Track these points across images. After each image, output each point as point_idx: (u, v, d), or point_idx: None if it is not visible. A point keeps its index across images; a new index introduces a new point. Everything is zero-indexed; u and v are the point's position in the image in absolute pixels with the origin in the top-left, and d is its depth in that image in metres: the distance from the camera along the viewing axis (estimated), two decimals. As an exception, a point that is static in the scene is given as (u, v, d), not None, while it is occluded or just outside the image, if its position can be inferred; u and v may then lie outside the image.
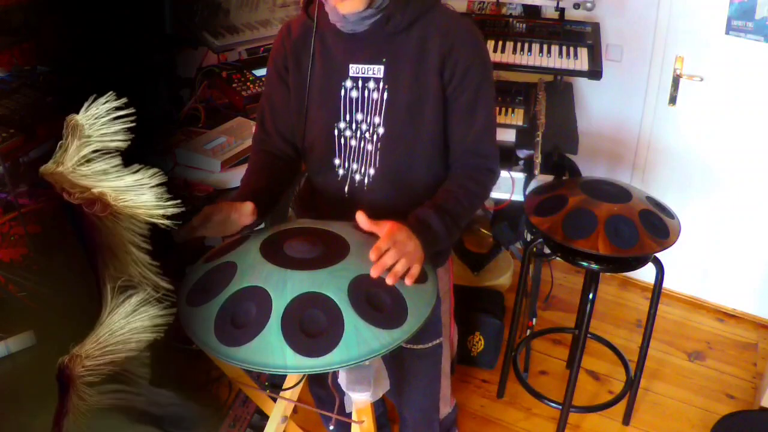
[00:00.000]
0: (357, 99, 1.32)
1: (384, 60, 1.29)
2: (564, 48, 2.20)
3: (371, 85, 1.30)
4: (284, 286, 1.01)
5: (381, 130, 1.31)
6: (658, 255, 1.79)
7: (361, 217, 1.12)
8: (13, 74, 1.62)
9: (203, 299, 1.04)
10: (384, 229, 1.11)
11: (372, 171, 1.34)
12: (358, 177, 1.36)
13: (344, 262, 1.06)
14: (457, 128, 1.34)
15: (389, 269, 1.06)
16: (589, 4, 2.21)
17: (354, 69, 1.31)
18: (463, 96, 1.30)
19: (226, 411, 1.93)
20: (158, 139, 1.75)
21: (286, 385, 1.25)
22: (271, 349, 0.95)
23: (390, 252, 1.06)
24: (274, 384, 1.38)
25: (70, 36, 1.64)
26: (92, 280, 1.06)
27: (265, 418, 1.39)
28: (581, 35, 2.26)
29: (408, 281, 1.06)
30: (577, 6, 2.22)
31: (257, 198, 1.25)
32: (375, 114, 1.31)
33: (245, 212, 1.18)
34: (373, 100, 1.30)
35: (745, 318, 2.72)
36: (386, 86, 1.30)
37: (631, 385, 2.15)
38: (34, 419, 1.07)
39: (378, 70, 1.30)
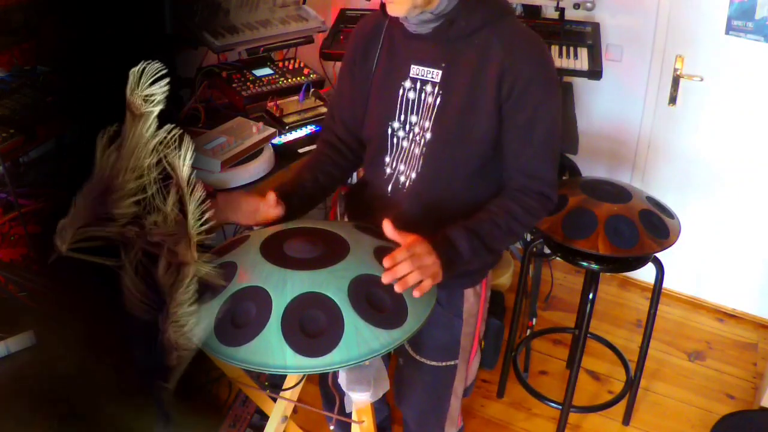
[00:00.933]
0: (413, 101, 1.30)
1: (443, 65, 1.26)
2: (564, 48, 2.20)
3: (428, 88, 1.28)
4: (284, 286, 1.01)
5: (428, 135, 1.28)
6: (658, 255, 1.79)
7: (386, 225, 1.12)
8: (13, 74, 1.62)
9: (203, 299, 1.04)
10: (406, 240, 1.11)
11: (414, 175, 1.32)
12: (402, 178, 1.34)
13: (344, 262, 1.06)
14: (512, 146, 1.27)
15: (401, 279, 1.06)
16: (589, 4, 2.22)
17: (415, 70, 1.29)
18: (520, 113, 1.24)
19: (226, 411, 1.94)
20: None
21: (286, 385, 1.25)
22: (271, 349, 0.95)
23: (405, 263, 1.06)
24: (274, 384, 1.37)
25: (70, 36, 1.64)
26: (92, 279, 1.06)
27: (265, 418, 1.39)
28: (581, 35, 2.26)
29: (416, 293, 1.06)
30: (577, 6, 2.23)
31: (294, 192, 1.32)
32: (426, 118, 1.28)
33: (269, 202, 1.23)
34: (427, 103, 1.28)
35: (745, 318, 2.72)
36: (441, 91, 1.26)
37: (631, 385, 2.15)
38: (33, 419, 1.07)
39: (436, 74, 1.26)
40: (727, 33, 2.29)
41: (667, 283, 2.26)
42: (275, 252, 1.09)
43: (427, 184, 1.31)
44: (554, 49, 2.19)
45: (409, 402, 1.56)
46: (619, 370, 2.31)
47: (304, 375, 1.22)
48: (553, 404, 2.09)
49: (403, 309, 1.03)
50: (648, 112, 2.62)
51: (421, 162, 1.30)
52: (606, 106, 2.71)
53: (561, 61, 2.16)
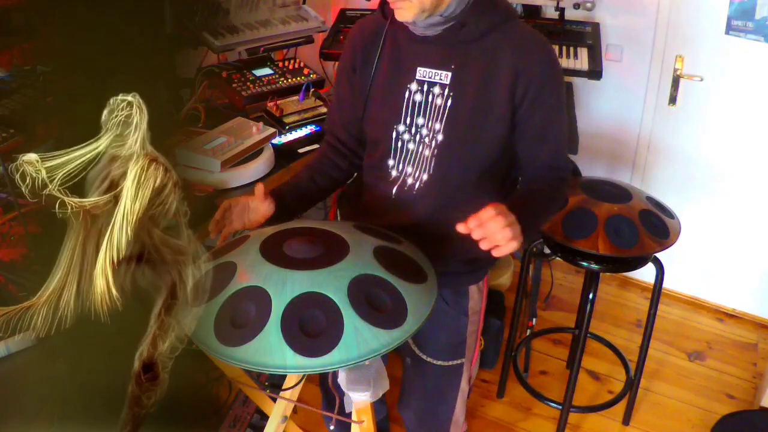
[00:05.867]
0: (420, 103, 1.29)
1: (453, 67, 1.26)
2: (564, 48, 2.21)
3: (436, 90, 1.28)
4: (284, 286, 1.01)
5: (440, 137, 1.29)
6: (658, 255, 1.79)
7: (461, 226, 1.09)
8: (13, 74, 1.62)
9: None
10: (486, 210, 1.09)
11: (425, 177, 1.32)
12: (410, 180, 1.34)
13: (344, 262, 1.06)
14: (531, 146, 1.31)
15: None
16: (589, 4, 2.22)
17: (421, 72, 1.28)
18: (536, 114, 1.27)
19: (226, 411, 1.93)
20: (158, 139, 1.75)
21: (286, 385, 1.25)
22: (270, 349, 0.95)
23: (494, 220, 1.07)
24: (274, 384, 1.37)
25: (70, 36, 1.64)
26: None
27: (265, 418, 1.39)
28: (581, 35, 2.26)
29: (498, 251, 1.08)
30: (577, 6, 2.23)
31: (288, 191, 1.35)
32: (436, 120, 1.29)
33: (258, 195, 1.24)
34: (436, 105, 1.28)
35: (745, 318, 2.72)
36: (451, 93, 1.27)
37: (631, 385, 2.15)
38: (33, 419, 1.07)
39: (445, 76, 1.27)
40: (727, 33, 2.29)
41: (667, 283, 2.26)
42: (275, 252, 1.09)
43: (438, 185, 1.31)
44: (554, 49, 2.20)
45: (414, 404, 1.55)
46: (619, 370, 2.31)
47: (304, 375, 1.22)
48: (553, 404, 2.09)
49: (403, 309, 1.03)
50: (648, 112, 2.62)
51: (432, 163, 1.30)
52: (606, 106, 2.71)
53: (561, 61, 2.16)
